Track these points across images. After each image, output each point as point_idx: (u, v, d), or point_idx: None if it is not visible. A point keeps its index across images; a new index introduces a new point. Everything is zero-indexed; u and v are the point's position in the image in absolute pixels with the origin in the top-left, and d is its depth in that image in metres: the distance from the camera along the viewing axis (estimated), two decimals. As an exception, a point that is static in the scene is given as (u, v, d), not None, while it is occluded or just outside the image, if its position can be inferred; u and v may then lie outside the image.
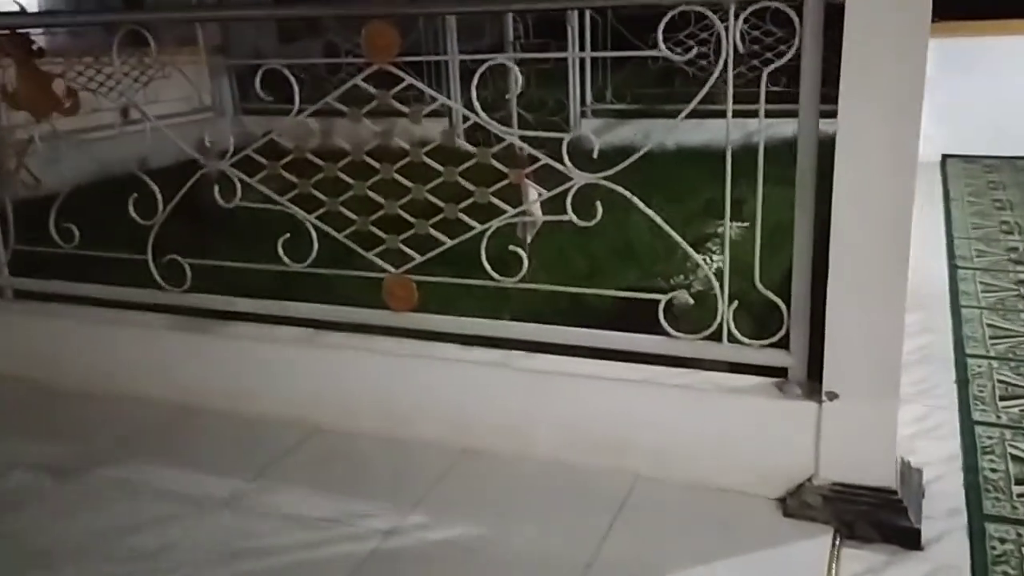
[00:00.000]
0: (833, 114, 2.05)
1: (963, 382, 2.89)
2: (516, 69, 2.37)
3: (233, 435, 2.71)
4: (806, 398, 2.19)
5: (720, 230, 4.09)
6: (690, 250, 2.36)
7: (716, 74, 2.15)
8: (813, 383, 2.21)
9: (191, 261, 2.85)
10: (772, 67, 2.12)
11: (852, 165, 1.97)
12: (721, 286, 2.28)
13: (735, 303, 2.28)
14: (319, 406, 2.72)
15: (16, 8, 3.08)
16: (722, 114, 2.17)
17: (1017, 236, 4.60)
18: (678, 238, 2.34)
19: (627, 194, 2.34)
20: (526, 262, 2.45)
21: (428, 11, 4.07)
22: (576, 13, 7.22)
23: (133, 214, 2.83)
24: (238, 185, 2.70)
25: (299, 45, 10.37)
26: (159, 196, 2.81)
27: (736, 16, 2.05)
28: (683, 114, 2.24)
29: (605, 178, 2.36)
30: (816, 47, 2.02)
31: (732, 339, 2.28)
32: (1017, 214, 5.04)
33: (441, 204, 2.49)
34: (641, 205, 2.34)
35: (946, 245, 4.45)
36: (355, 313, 2.68)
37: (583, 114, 7.47)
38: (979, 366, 3.00)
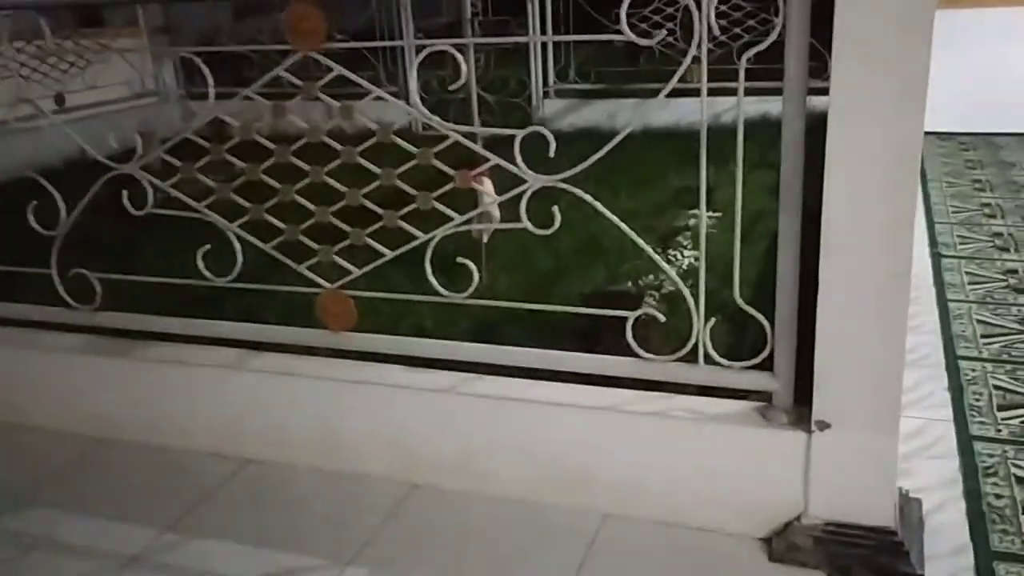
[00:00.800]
0: (816, 91, 1.79)
1: (957, 389, 2.66)
2: (460, 58, 2.06)
3: (151, 472, 2.42)
4: (793, 427, 1.94)
5: (693, 222, 3.85)
6: (663, 264, 2.09)
7: (688, 60, 1.86)
8: (801, 409, 1.96)
9: (101, 275, 2.53)
10: (753, 50, 1.83)
11: (846, 158, 1.70)
12: (696, 302, 2.01)
13: (712, 320, 2.01)
14: (249, 436, 2.43)
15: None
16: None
17: (1000, 220, 4.39)
18: (648, 249, 2.07)
19: (587, 198, 2.05)
20: (477, 275, 2.16)
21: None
22: (537, -12, 6.91)
23: (33, 223, 2.50)
24: (149, 190, 2.38)
25: (252, 23, 9.88)
26: (61, 204, 2.48)
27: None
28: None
29: (565, 180, 2.04)
30: (803, 26, 1.75)
31: (709, 360, 2.02)
32: (998, 195, 4.83)
33: (379, 210, 2.19)
34: (605, 211, 2.06)
35: (927, 231, 4.24)
36: (288, 333, 2.38)
37: (546, 94, 7.17)
38: (973, 370, 2.78)
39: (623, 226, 2.05)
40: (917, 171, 1.70)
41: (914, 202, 1.72)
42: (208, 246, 2.36)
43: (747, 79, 1.90)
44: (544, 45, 7.10)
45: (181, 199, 2.36)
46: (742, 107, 1.88)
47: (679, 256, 3.44)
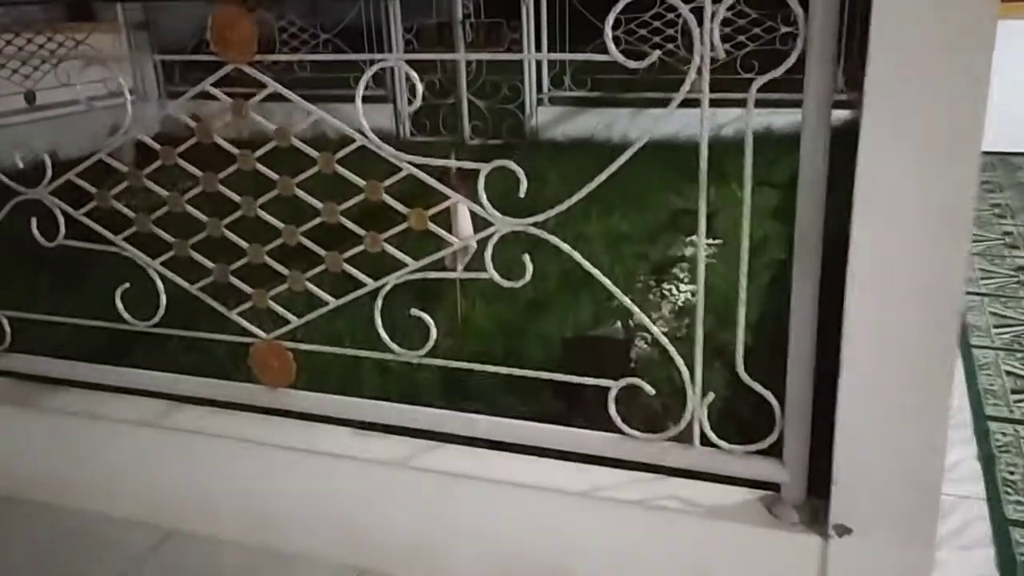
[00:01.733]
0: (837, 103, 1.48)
1: (989, 459, 2.33)
2: (415, 76, 1.72)
3: (59, 540, 2.09)
4: (806, 528, 1.61)
5: (691, 252, 3.52)
6: (654, 328, 1.75)
7: (688, 83, 1.53)
8: (816, 503, 1.63)
9: (10, 314, 2.20)
10: (765, 78, 1.49)
11: (879, 207, 1.38)
12: (692, 374, 1.68)
13: (710, 395, 1.69)
14: (171, 504, 2.10)
15: None
16: (689, 103, 1.56)
17: (1022, 251, 4.07)
18: (638, 312, 1.73)
19: (564, 247, 1.72)
20: (434, 331, 1.83)
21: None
22: (531, -9, 6.59)
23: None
24: (60, 218, 2.05)
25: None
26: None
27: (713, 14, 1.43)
28: (671, 105, 1.63)
29: (537, 225, 1.71)
30: (828, 39, 1.41)
31: (706, 440, 1.69)
32: (1020, 222, 4.51)
33: (320, 251, 1.86)
34: (586, 264, 1.72)
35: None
36: (216, 387, 2.05)
37: (540, 102, 6.84)
38: (1004, 433, 2.45)
39: (606, 281, 1.71)
40: (969, 228, 1.38)
41: (963, 264, 1.40)
42: (127, 284, 2.04)
43: (747, 89, 1.57)
44: (538, 49, 6.78)
45: (97, 230, 2.03)
46: (750, 132, 1.54)
47: (674, 291, 3.12)
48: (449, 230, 2.15)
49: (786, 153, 5.20)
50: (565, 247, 1.71)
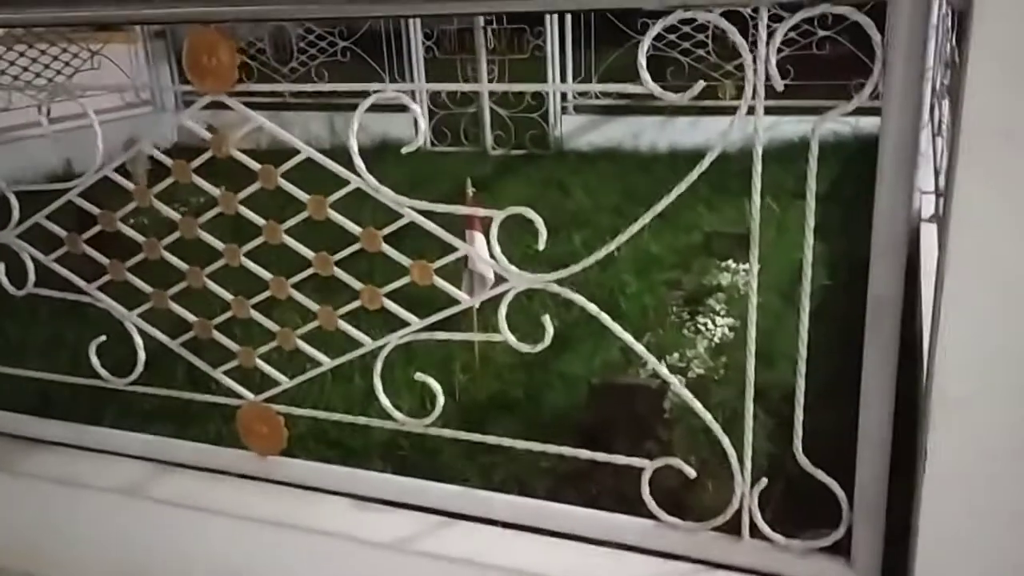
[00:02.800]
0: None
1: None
2: (418, 111, 1.48)
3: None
4: (879, 644, 1.36)
5: (727, 280, 3.27)
6: (697, 405, 1.49)
7: (741, 112, 1.29)
8: (888, 611, 1.38)
9: (-21, 366, 2.01)
10: (831, 114, 1.24)
11: (979, 229, 1.12)
12: (740, 456, 1.43)
13: (762, 481, 1.44)
14: (152, 581, 1.88)
15: None
16: (721, 111, 1.32)
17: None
18: (673, 380, 1.49)
19: (582, 302, 1.48)
20: (440, 397, 1.60)
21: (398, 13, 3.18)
22: None
23: None
24: (30, 264, 1.84)
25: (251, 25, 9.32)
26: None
27: (770, 36, 1.18)
28: (733, 124, 1.39)
29: (558, 282, 1.47)
30: (915, 66, 1.16)
31: (757, 532, 1.45)
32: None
33: (313, 307, 1.64)
34: (609, 322, 1.48)
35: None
36: (199, 453, 1.84)
37: (564, 110, 6.60)
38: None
39: (638, 346, 1.47)
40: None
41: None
42: (103, 337, 1.83)
43: (787, 96, 1.33)
44: (563, 55, 6.54)
45: (68, 278, 1.83)
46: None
47: (710, 326, 2.86)
48: (465, 265, 1.93)
49: (824, 162, 4.94)
50: (591, 307, 1.46)
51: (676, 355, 2.60)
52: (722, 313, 2.92)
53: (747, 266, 3.23)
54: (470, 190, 2.53)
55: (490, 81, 6.60)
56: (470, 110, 6.70)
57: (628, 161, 5.99)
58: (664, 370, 1.45)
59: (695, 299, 3.06)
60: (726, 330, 2.77)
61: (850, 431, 1.38)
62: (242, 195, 1.60)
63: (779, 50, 1.27)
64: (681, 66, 6.18)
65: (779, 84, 1.21)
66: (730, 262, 3.34)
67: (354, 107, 1.50)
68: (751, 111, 1.27)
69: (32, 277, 1.86)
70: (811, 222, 1.30)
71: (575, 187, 5.37)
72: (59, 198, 1.77)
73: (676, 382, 1.46)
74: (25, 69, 6.61)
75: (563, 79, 6.57)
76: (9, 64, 6.49)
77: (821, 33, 5.61)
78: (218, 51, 1.51)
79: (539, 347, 1.49)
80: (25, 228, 1.84)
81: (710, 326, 2.81)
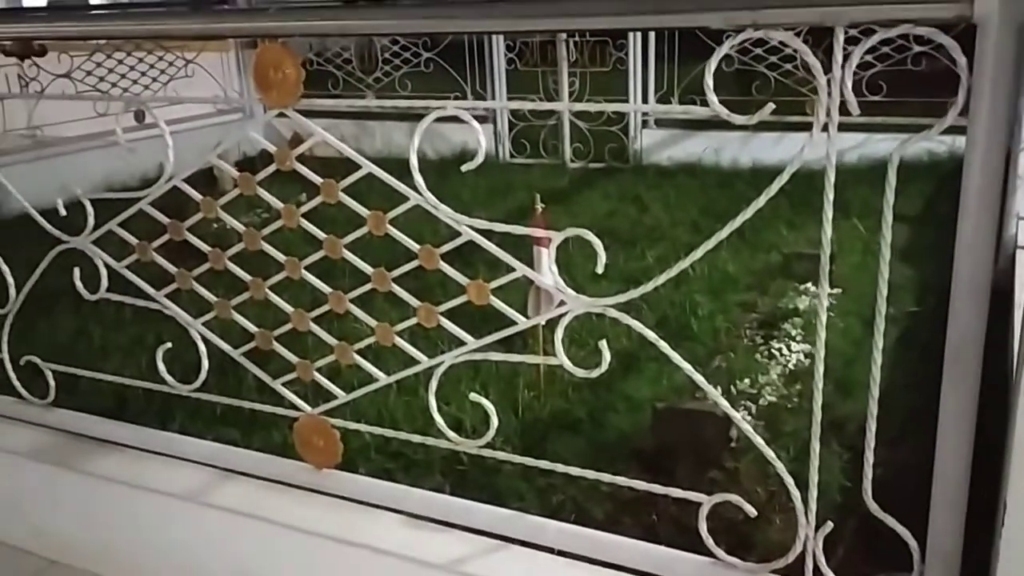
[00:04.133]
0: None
1: None
2: (478, 127, 1.45)
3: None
4: None
5: (804, 304, 3.15)
6: (760, 442, 1.42)
7: (811, 138, 1.22)
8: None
9: (55, 367, 2.07)
10: (915, 137, 1.17)
11: None
12: (805, 497, 1.36)
13: (827, 525, 1.36)
14: (210, 586, 1.91)
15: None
16: (806, 127, 1.24)
17: None
18: (737, 418, 1.42)
19: (640, 328, 1.42)
20: (495, 419, 1.57)
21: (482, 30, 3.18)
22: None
23: (-18, 298, 2.05)
24: (103, 271, 1.89)
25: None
26: (10, 279, 2.03)
27: (846, 59, 1.11)
28: (788, 170, 1.32)
29: (616, 307, 1.42)
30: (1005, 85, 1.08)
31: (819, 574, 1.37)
32: None
33: (371, 322, 1.63)
34: (673, 355, 1.42)
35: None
36: (258, 462, 1.86)
37: (644, 123, 6.51)
38: None
39: (701, 380, 1.41)
40: None
41: None
42: (168, 344, 1.87)
43: (876, 112, 1.24)
44: (645, 68, 6.45)
45: (139, 285, 1.87)
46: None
47: (784, 351, 2.75)
48: (530, 281, 1.91)
49: (912, 181, 4.70)
50: (649, 334, 1.41)
51: (747, 381, 2.51)
52: (798, 338, 2.81)
53: (829, 290, 3.11)
54: (539, 205, 2.49)
55: (571, 93, 6.57)
56: (550, 122, 6.67)
57: (708, 176, 5.86)
58: (725, 403, 1.39)
59: (770, 322, 2.95)
60: (801, 356, 2.66)
61: (929, 473, 1.29)
62: (303, 209, 1.61)
63: (870, 65, 1.20)
64: (767, 80, 6.03)
65: (855, 108, 1.15)
66: (809, 285, 3.22)
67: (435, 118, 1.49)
68: (828, 128, 1.20)
69: (105, 282, 1.91)
70: (887, 253, 1.22)
71: (653, 202, 5.28)
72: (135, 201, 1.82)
73: (737, 416, 1.39)
74: (123, 76, 6.87)
75: (644, 93, 6.48)
76: (108, 71, 6.76)
77: (916, 49, 5.39)
78: (284, 65, 1.51)
79: (596, 372, 1.45)
80: (100, 235, 1.89)
81: (784, 351, 2.70)
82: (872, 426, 1.31)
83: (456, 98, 7.09)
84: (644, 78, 6.49)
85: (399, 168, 1.52)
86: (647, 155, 6.47)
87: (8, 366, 2.12)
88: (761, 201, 1.28)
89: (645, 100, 6.49)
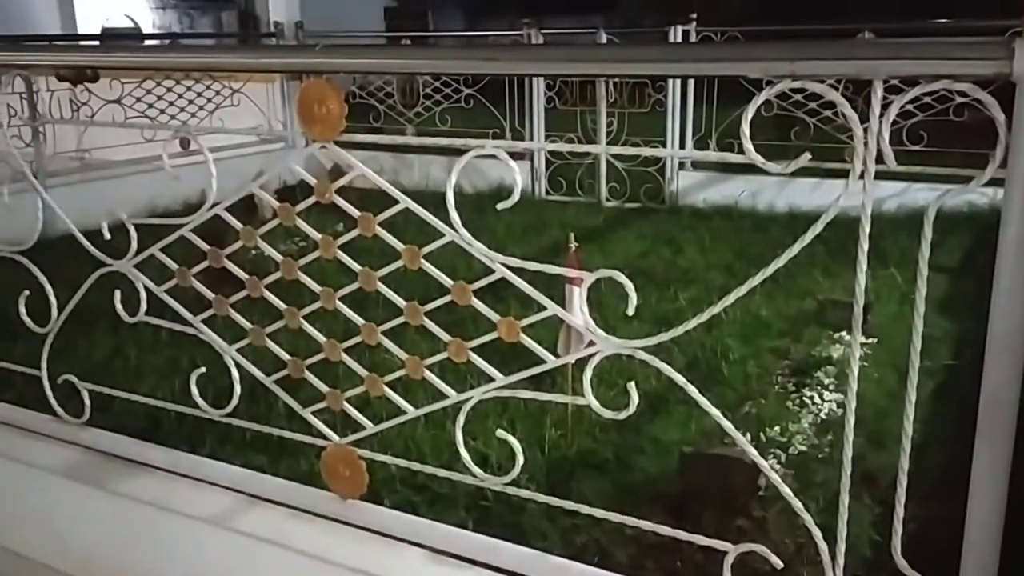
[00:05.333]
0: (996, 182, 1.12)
1: None
2: (515, 167, 1.47)
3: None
4: None
5: (838, 353, 3.12)
6: (786, 491, 1.41)
7: (847, 187, 1.22)
8: None
9: (91, 387, 2.11)
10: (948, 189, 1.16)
11: None
12: (833, 552, 1.34)
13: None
14: (231, 613, 1.91)
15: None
16: (844, 173, 1.23)
17: None
18: (768, 470, 1.40)
19: (669, 371, 1.42)
20: (520, 457, 1.57)
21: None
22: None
23: (26, 318, 2.11)
24: (143, 293, 1.93)
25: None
26: (52, 299, 2.08)
27: (884, 110, 1.12)
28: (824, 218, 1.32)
29: (645, 349, 1.42)
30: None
31: (847, 634, 1.34)
32: None
33: (401, 354, 1.64)
34: (703, 401, 1.41)
35: None
36: (284, 489, 1.87)
37: (681, 165, 6.52)
38: None
39: (729, 426, 1.40)
40: None
41: None
42: (203, 370, 1.90)
43: (917, 161, 1.23)
44: (683, 110, 6.48)
45: (176, 310, 1.91)
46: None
47: (816, 400, 2.72)
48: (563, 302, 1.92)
49: (951, 232, 4.65)
50: (678, 378, 1.41)
51: (777, 428, 2.48)
52: (831, 387, 2.77)
53: (864, 339, 3.07)
54: (572, 244, 2.50)
55: (609, 133, 6.61)
56: (587, 161, 6.72)
57: (744, 220, 5.85)
58: (753, 451, 1.38)
59: (803, 370, 2.92)
60: (834, 406, 2.63)
61: (961, 529, 1.27)
62: (340, 241, 1.63)
63: (911, 115, 1.20)
64: (806, 126, 6.03)
65: (891, 161, 1.15)
66: (843, 334, 3.19)
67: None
68: (864, 178, 1.20)
69: (144, 306, 1.95)
70: (921, 306, 1.21)
71: (687, 243, 5.28)
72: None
73: (765, 465, 1.38)
74: (171, 103, 7.05)
75: (682, 134, 6.50)
76: (157, 99, 6.94)
77: (958, 100, 5.36)
78: (328, 101, 1.55)
79: (624, 415, 1.44)
80: (142, 259, 1.94)
81: (816, 400, 2.67)
82: (903, 480, 1.30)
83: (495, 135, 7.18)
84: (682, 120, 6.52)
85: (436, 201, 1.54)
86: (683, 196, 6.47)
87: (46, 384, 2.17)
88: (795, 249, 1.28)
89: (683, 142, 6.51)
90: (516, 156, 6.91)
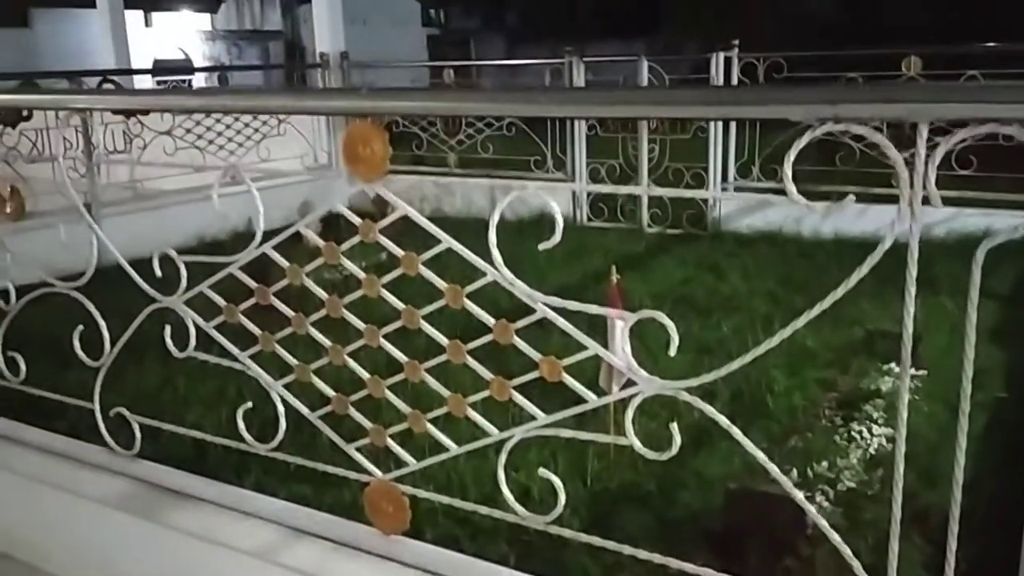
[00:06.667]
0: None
1: None
2: (557, 210, 1.48)
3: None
4: None
5: (887, 386, 3.05)
6: (837, 539, 1.38)
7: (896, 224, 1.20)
8: None
9: (142, 420, 2.16)
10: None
11: None
12: (882, 598, 1.31)
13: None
14: (275, 647, 1.92)
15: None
16: (892, 199, 1.22)
17: None
18: (813, 513, 1.39)
19: (711, 412, 1.41)
20: (562, 496, 1.57)
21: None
22: (720, 72, 6.32)
23: (80, 352, 2.16)
24: (191, 330, 1.98)
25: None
26: (106, 333, 2.13)
27: (930, 152, 1.11)
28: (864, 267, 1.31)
29: (689, 390, 1.41)
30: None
31: None
32: None
33: (444, 392, 1.66)
34: (745, 442, 1.40)
35: None
36: (327, 523, 1.89)
37: (724, 191, 6.49)
38: None
39: (773, 469, 1.38)
40: None
41: None
42: (249, 404, 1.93)
43: (967, 186, 1.21)
44: (726, 136, 6.46)
45: (224, 345, 1.95)
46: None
47: (865, 434, 2.67)
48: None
49: (1004, 259, 4.55)
50: (721, 419, 1.40)
51: (825, 464, 2.44)
52: (880, 421, 2.72)
53: (914, 371, 3.01)
54: (614, 276, 2.50)
55: (650, 159, 6.61)
56: (631, 185, 6.72)
57: (789, 246, 5.78)
58: (799, 495, 1.36)
59: (850, 403, 2.87)
60: (883, 441, 2.58)
61: (1015, 569, 1.24)
62: (385, 280, 1.65)
63: (961, 140, 1.19)
64: (852, 151, 5.96)
65: (938, 203, 1.13)
66: (892, 365, 3.13)
67: (514, 178, 1.52)
68: (911, 218, 1.19)
69: (193, 341, 1.99)
70: (972, 338, 1.19)
71: (730, 270, 5.23)
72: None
73: (812, 510, 1.36)
74: (219, 134, 7.21)
75: (724, 160, 6.48)
76: (207, 129, 7.11)
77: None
78: (372, 142, 1.58)
79: (666, 455, 1.44)
80: (192, 295, 1.98)
81: (865, 435, 2.62)
82: (955, 518, 1.27)
83: (536, 163, 7.22)
84: (724, 145, 6.49)
85: (478, 227, 1.55)
86: (726, 222, 6.43)
87: (99, 418, 2.22)
88: (852, 281, 1.27)
89: (725, 169, 6.48)
90: (558, 180, 6.93)
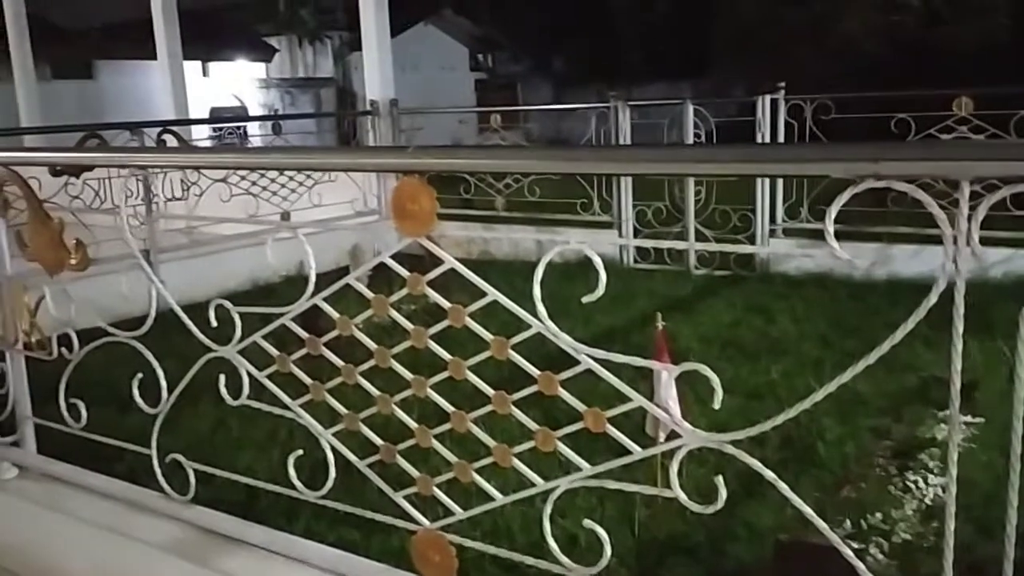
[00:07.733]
0: None
1: None
2: (599, 261, 1.50)
3: None
4: None
5: (943, 434, 2.98)
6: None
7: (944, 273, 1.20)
8: None
9: (197, 466, 2.21)
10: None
11: None
12: (936, 660, 1.28)
13: None
14: None
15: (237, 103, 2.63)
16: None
17: None
18: (862, 569, 1.37)
19: (758, 467, 1.40)
20: (608, 548, 1.57)
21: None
22: (767, 115, 6.31)
23: (139, 400, 2.23)
24: (245, 379, 2.03)
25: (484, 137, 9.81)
26: (163, 382, 2.20)
27: (972, 211, 1.11)
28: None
29: (735, 443, 1.41)
30: None
31: None
32: None
33: (490, 442, 1.67)
34: (796, 500, 1.39)
35: None
36: (373, 572, 1.90)
37: (772, 232, 6.44)
38: None
39: (823, 525, 1.37)
40: None
41: None
42: (300, 452, 1.97)
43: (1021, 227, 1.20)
44: (774, 178, 6.43)
45: (276, 393, 1.99)
46: None
47: (921, 484, 2.61)
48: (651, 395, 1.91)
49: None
50: (768, 474, 1.39)
51: (879, 515, 2.39)
52: (935, 471, 2.66)
53: (970, 418, 2.95)
54: (660, 323, 2.51)
55: (697, 201, 6.60)
56: (675, 229, 6.71)
57: (839, 288, 5.70)
58: (848, 550, 1.34)
59: (905, 452, 2.81)
60: (939, 491, 2.52)
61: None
62: (432, 331, 1.69)
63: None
64: (903, 192, 5.89)
65: (982, 258, 1.13)
66: (948, 412, 3.06)
67: (559, 222, 1.54)
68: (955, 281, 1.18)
69: (246, 389, 2.04)
70: (1020, 413, 1.18)
71: (779, 313, 5.18)
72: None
73: (863, 568, 1.34)
74: (273, 180, 7.40)
75: (772, 201, 6.45)
76: (260, 175, 7.30)
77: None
78: (420, 198, 1.62)
79: (712, 509, 1.43)
80: (246, 345, 2.04)
81: (921, 485, 2.56)
82: (1009, 571, 1.24)
83: (583, 205, 7.26)
84: (772, 186, 6.46)
85: (525, 270, 1.58)
86: (774, 264, 6.38)
87: (156, 465, 2.28)
88: (910, 324, 1.27)
89: (773, 208, 6.44)
90: (604, 225, 6.95)
